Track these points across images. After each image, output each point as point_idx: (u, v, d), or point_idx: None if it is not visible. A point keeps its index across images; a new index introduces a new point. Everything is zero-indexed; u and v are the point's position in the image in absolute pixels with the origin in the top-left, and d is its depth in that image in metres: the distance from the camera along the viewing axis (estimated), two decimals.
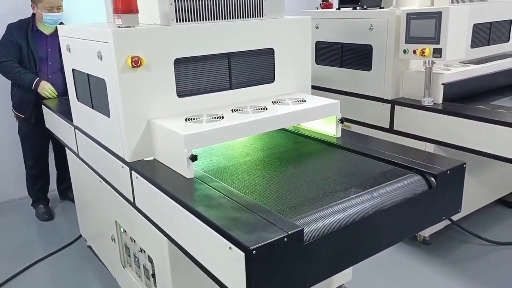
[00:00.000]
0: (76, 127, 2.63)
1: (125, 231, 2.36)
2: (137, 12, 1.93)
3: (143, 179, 1.87)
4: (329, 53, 3.40)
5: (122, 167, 2.04)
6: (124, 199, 2.13)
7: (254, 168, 1.98)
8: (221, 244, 1.36)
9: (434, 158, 1.97)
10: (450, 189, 1.83)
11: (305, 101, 2.22)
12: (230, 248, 1.32)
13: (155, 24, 2.04)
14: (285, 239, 1.31)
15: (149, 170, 1.91)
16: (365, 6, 3.13)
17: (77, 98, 2.51)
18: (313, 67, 3.50)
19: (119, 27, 1.92)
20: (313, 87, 3.54)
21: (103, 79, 2.03)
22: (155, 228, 1.85)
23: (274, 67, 2.33)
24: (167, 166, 1.90)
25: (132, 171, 1.96)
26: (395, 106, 3.00)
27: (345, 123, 3.35)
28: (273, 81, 2.35)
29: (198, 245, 1.55)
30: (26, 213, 3.84)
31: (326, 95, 3.43)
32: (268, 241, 1.28)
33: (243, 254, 1.27)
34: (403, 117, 2.98)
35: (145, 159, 2.01)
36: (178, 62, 2.01)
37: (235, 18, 2.17)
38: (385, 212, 1.63)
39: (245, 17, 2.20)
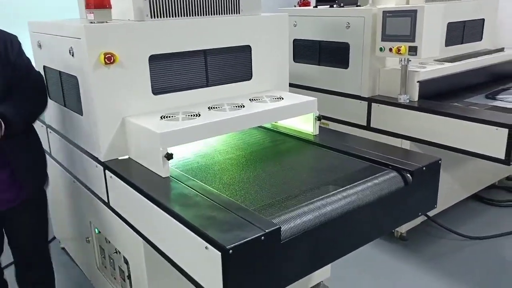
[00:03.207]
0: (48, 126, 2.56)
1: (99, 232, 2.31)
2: (110, 7, 1.89)
3: (117, 178, 1.82)
4: (306, 51, 3.40)
5: (96, 166, 1.99)
6: (98, 199, 2.08)
7: (232, 166, 1.95)
8: (197, 244, 1.33)
9: (410, 154, 1.98)
10: (426, 185, 1.84)
11: (282, 98, 2.20)
12: (206, 247, 1.29)
13: (129, 20, 1.99)
14: (262, 237, 1.29)
15: (123, 169, 1.86)
16: (341, 4, 3.14)
17: (49, 96, 2.43)
18: (290, 65, 3.49)
19: (92, 22, 1.87)
20: (291, 85, 3.54)
21: (75, 76, 1.97)
22: (130, 229, 1.81)
23: (251, 64, 2.31)
24: (142, 165, 1.86)
25: (106, 171, 1.91)
26: (372, 103, 3.02)
27: (322, 120, 3.36)
28: (251, 78, 2.33)
29: (174, 245, 1.52)
30: None
31: (304, 93, 3.41)
32: (244, 240, 1.26)
33: (219, 253, 1.24)
34: (380, 114, 3.00)
35: (119, 158, 1.97)
36: (153, 58, 1.97)
37: (212, 15, 2.14)
38: (362, 209, 1.63)
39: (222, 14, 2.17)
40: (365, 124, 3.10)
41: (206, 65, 2.15)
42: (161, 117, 1.91)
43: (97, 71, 1.83)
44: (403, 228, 3.10)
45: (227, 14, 2.19)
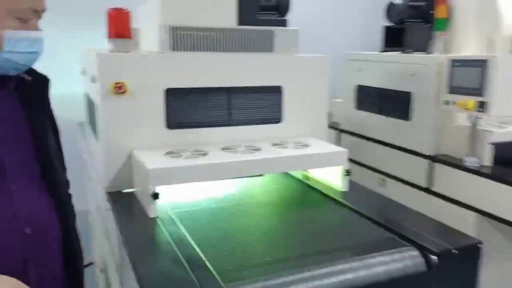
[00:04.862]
0: (85, 151, 2.62)
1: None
2: (129, 37, 1.87)
3: (110, 211, 1.73)
4: (369, 99, 3.12)
5: (103, 196, 1.93)
6: (105, 232, 2.02)
7: (234, 213, 1.75)
8: None
9: (446, 231, 1.61)
10: (458, 273, 1.46)
11: (308, 146, 1.97)
12: None
13: (153, 52, 1.96)
14: None
15: (119, 202, 1.77)
16: (409, 50, 2.84)
17: (89, 122, 2.49)
18: (353, 112, 3.25)
19: (112, 51, 1.86)
20: (351, 133, 3.28)
21: (95, 103, 1.97)
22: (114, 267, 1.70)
23: (281, 106, 2.13)
24: (139, 201, 1.76)
25: (107, 202, 1.84)
26: (435, 163, 2.62)
27: (379, 176, 3.03)
28: (280, 121, 2.14)
29: None
30: None
31: (364, 143, 3.13)
32: None
33: None
34: (443, 177, 2.58)
35: (123, 190, 1.89)
36: (170, 92, 1.89)
37: (240, 51, 2.02)
38: None
39: (252, 51, 2.04)
40: (425, 186, 2.70)
41: (229, 103, 2.02)
42: (166, 153, 1.80)
43: (107, 99, 1.79)
44: None
45: (258, 51, 2.06)
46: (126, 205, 1.76)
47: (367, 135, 3.13)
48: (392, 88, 2.87)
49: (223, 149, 1.89)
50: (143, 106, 1.85)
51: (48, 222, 1.35)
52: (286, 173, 2.17)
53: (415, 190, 2.74)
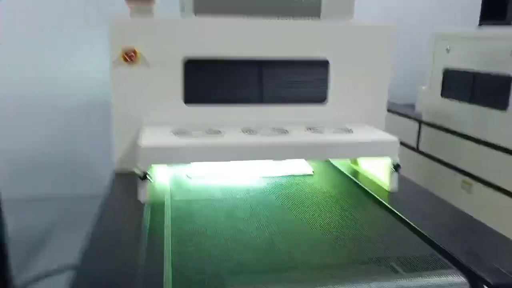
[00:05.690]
0: None
1: None
2: (150, 1, 1.66)
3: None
4: (458, 84, 2.56)
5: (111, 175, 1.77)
6: None
7: (248, 209, 1.45)
8: None
9: None
10: None
11: (351, 131, 1.60)
12: None
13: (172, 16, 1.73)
14: None
15: (121, 184, 1.59)
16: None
17: None
18: (437, 101, 2.73)
19: (131, 16, 1.68)
20: (434, 126, 2.75)
21: None
22: None
23: (327, 84, 1.77)
24: None
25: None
26: None
27: (465, 179, 2.48)
28: (325, 102, 1.79)
29: None
30: None
31: (448, 138, 2.60)
32: None
33: None
34: None
35: (135, 170, 1.70)
36: (190, 62, 1.66)
37: (279, 15, 1.70)
38: None
39: (292, 16, 1.71)
40: None
41: (261, 78, 1.72)
42: (175, 131, 1.57)
43: (116, 68, 1.61)
44: None
45: (300, 16, 1.72)
46: (125, 187, 1.56)
47: (453, 128, 2.58)
48: (488, 71, 2.30)
49: (243, 130, 1.60)
50: (158, 78, 1.64)
51: None
52: (334, 166, 1.81)
53: (508, 197, 2.16)
